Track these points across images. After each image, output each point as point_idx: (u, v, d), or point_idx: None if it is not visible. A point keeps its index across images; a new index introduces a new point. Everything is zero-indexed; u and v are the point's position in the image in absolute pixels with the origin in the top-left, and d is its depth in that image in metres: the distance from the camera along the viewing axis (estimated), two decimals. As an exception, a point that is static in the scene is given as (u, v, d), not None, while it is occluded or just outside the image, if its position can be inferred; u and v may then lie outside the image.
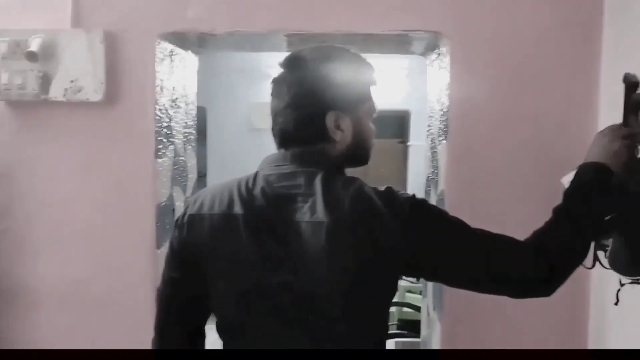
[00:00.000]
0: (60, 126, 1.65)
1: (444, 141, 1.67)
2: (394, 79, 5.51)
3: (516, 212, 1.59)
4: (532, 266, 0.98)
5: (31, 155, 1.65)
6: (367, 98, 1.09)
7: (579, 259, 1.03)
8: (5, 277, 1.66)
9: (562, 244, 1.01)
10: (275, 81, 1.07)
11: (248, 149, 5.55)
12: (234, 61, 5.32)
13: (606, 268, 1.30)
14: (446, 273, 1.01)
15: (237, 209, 0.99)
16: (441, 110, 1.72)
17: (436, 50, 1.77)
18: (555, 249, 1.00)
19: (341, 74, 1.04)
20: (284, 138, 1.05)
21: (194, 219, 1.03)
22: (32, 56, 1.57)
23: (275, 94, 1.06)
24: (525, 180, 1.62)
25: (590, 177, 1.07)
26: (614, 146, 1.11)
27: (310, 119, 1.03)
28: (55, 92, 1.61)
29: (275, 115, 1.06)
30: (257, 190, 1.00)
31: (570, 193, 1.07)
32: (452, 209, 1.60)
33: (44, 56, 1.59)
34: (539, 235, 1.02)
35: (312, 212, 0.96)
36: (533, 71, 1.61)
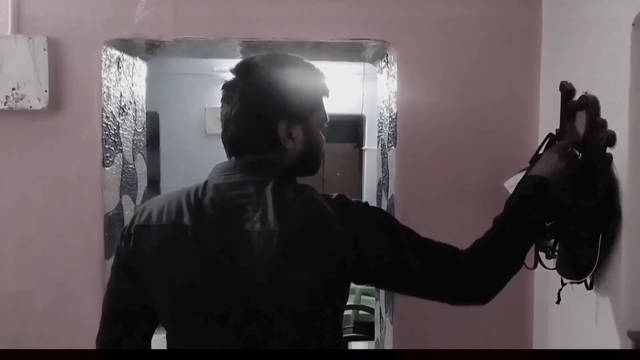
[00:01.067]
0: (2, 135, 1.60)
1: (393, 147, 1.71)
2: (349, 84, 5.57)
3: (462, 215, 1.64)
4: (469, 275, 1.01)
5: (-30, 166, 1.59)
6: (319, 107, 1.08)
7: (514, 269, 1.07)
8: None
9: (499, 254, 1.05)
10: (226, 87, 1.05)
11: (202, 155, 5.48)
12: (187, 66, 5.26)
13: (548, 269, 1.36)
14: (389, 279, 1.01)
15: (186, 219, 0.98)
16: (390, 116, 1.75)
17: (384, 59, 1.81)
18: (492, 259, 1.03)
19: (293, 83, 1.03)
20: (234, 146, 1.04)
21: (141, 230, 1.01)
22: (-31, 63, 1.51)
23: (226, 100, 1.04)
24: (471, 183, 1.67)
25: (529, 192, 1.13)
26: (554, 158, 1.19)
27: (262, 127, 1.02)
28: (-4, 100, 1.55)
29: (225, 122, 1.04)
30: (206, 200, 0.99)
31: (510, 205, 1.12)
32: (402, 213, 1.64)
33: (-17, 63, 1.54)
34: (478, 245, 1.05)
35: (262, 221, 0.95)
36: (477, 79, 1.66)
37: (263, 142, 1.02)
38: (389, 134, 1.78)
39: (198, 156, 5.51)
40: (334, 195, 1.01)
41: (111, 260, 1.68)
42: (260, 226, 0.95)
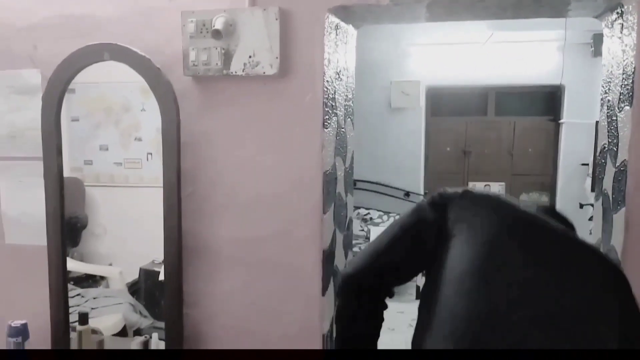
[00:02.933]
0: (240, 98, 1.79)
1: (628, 107, 1.55)
2: (544, 52, 5.17)
3: None
4: None
5: (215, 125, 1.81)
6: None
7: None
8: (191, 236, 1.85)
9: None
10: None
11: (387, 129, 5.57)
12: (374, 38, 5.33)
13: None
14: None
15: None
16: (624, 74, 1.59)
17: (617, 9, 1.64)
18: None
19: None
20: None
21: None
22: (217, 34, 1.71)
23: None
24: None
25: None
26: None
27: None
28: (236, 67, 1.74)
29: None
30: None
31: None
32: (636, 178, 1.49)
33: (226, 34, 1.73)
34: None
35: None
36: None
37: None
38: (620, 92, 1.62)
39: (383, 130, 5.62)
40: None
41: (327, 216, 1.81)
42: None
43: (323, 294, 1.80)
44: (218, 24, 1.71)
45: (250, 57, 1.74)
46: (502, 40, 4.94)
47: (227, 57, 1.75)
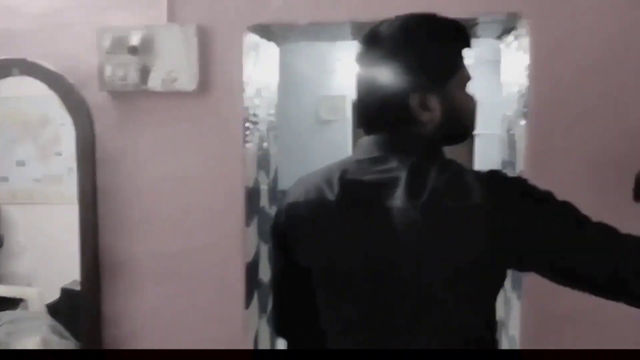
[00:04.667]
0: (158, 114, 1.79)
1: (523, 122, 1.69)
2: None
3: (590, 200, 1.58)
4: None
5: (132, 141, 1.80)
6: (458, 66, 0.97)
7: None
8: (109, 253, 1.83)
9: None
10: (357, 60, 1.01)
11: (316, 142, 5.67)
12: (302, 53, 5.43)
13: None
14: (565, 269, 0.87)
15: (330, 195, 0.97)
16: (519, 91, 1.73)
17: (513, 32, 1.78)
18: None
19: (424, 46, 0.94)
20: (368, 124, 1.01)
21: (291, 207, 1.03)
22: (133, 50, 1.71)
23: (357, 75, 1.01)
24: (604, 168, 1.59)
25: None
26: None
27: (392, 102, 0.95)
28: (154, 83, 1.75)
29: (359, 98, 1.01)
30: (350, 176, 0.97)
31: None
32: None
33: (143, 50, 1.73)
34: None
35: (402, 197, 0.90)
36: (619, 54, 1.57)
37: (396, 118, 0.96)
38: (517, 109, 1.76)
39: (311, 142, 5.71)
40: (485, 170, 0.92)
41: (251, 229, 1.84)
42: (400, 203, 0.90)
43: (247, 306, 1.82)
44: (134, 40, 1.71)
45: (168, 73, 1.74)
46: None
47: (145, 73, 1.75)
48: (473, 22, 1.71)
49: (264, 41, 1.94)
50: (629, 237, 0.87)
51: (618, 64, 1.58)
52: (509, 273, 1.89)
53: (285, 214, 1.05)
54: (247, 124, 1.81)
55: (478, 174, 0.91)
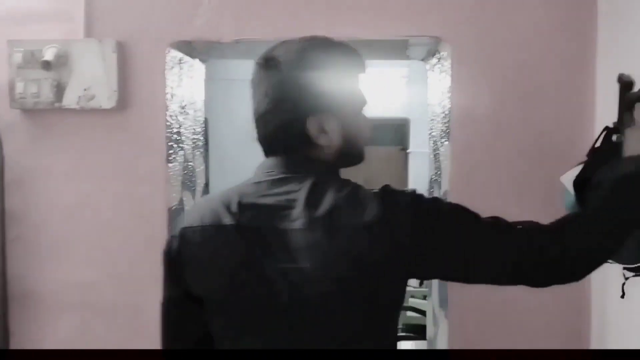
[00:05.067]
0: (74, 133, 1.70)
1: (446, 142, 1.72)
2: (393, 87, 5.58)
3: (518, 208, 1.63)
4: (560, 251, 0.91)
5: (45, 162, 1.70)
6: (353, 91, 1.00)
7: (614, 244, 0.97)
8: (17, 283, 1.70)
9: (596, 228, 0.94)
10: (252, 83, 1.00)
11: (250, 160, 5.61)
12: (235, 71, 5.39)
13: (609, 262, 1.34)
14: (461, 270, 0.93)
15: (227, 219, 0.95)
16: (443, 112, 1.77)
17: (436, 55, 1.83)
18: (589, 234, 0.94)
19: (320, 70, 0.94)
20: (267, 145, 1.00)
21: (186, 232, 0.99)
22: (46, 65, 1.62)
23: (254, 97, 0.99)
24: (526, 177, 1.66)
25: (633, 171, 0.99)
26: None
27: (290, 126, 0.95)
28: (69, 100, 1.66)
29: (256, 120, 0.99)
30: (248, 199, 0.96)
31: (613, 182, 0.98)
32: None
33: (58, 65, 1.64)
34: (569, 220, 0.97)
35: (300, 219, 0.90)
36: (531, 72, 1.66)
37: (294, 141, 0.96)
38: (441, 129, 1.80)
39: (245, 161, 5.65)
40: (378, 188, 0.94)
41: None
42: (298, 224, 0.90)
43: (170, 334, 1.73)
44: (48, 55, 1.62)
45: (85, 89, 1.66)
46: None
47: (60, 89, 1.66)
48: (402, 44, 1.75)
49: (187, 58, 1.89)
50: (520, 228, 0.94)
51: (532, 83, 1.66)
52: (437, 291, 1.92)
53: (178, 239, 1.00)
54: (170, 143, 1.74)
55: (371, 191, 0.93)
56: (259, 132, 1.00)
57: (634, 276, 1.30)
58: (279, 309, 0.92)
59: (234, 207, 0.96)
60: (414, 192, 0.95)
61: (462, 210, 0.95)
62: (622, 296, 1.34)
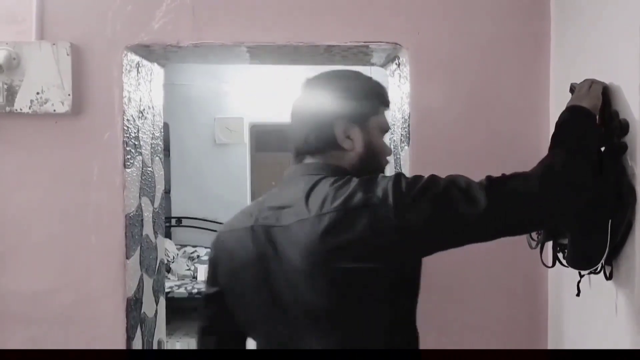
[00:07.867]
0: (26, 138, 1.64)
1: (406, 147, 1.74)
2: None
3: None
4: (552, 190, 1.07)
5: (-4, 167, 1.63)
6: (378, 112, 1.14)
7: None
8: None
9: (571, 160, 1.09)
10: (293, 105, 1.16)
11: (212, 164, 5.54)
12: (197, 76, 5.32)
13: (565, 266, 1.38)
14: (459, 232, 1.03)
15: (249, 222, 1.10)
16: (403, 117, 1.79)
17: (396, 61, 1.85)
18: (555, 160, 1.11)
19: (352, 89, 1.12)
20: (297, 151, 1.13)
21: (219, 235, 1.19)
22: (-4, 68, 1.56)
23: (292, 115, 1.16)
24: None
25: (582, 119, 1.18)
26: (596, 91, 1.24)
27: (319, 127, 1.09)
28: (21, 104, 1.60)
29: (291, 134, 1.15)
30: (269, 202, 1.11)
31: (560, 125, 1.18)
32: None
33: (9, 68, 1.59)
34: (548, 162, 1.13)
35: (295, 213, 1.02)
36: (488, 78, 1.70)
37: (321, 142, 1.09)
38: (401, 134, 1.82)
39: (207, 166, 5.58)
40: (365, 178, 1.03)
41: (132, 261, 1.73)
42: (294, 218, 1.02)
43: (128, 344, 1.69)
44: (-2, 57, 1.56)
45: (38, 93, 1.61)
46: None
47: (11, 93, 1.60)
48: (365, 49, 1.76)
49: (145, 61, 1.85)
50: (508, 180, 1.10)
51: (490, 89, 1.70)
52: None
53: (214, 242, 1.20)
54: (128, 147, 1.71)
55: (361, 179, 1.02)
56: (292, 143, 1.14)
57: (588, 274, 1.34)
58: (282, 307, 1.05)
59: (255, 210, 1.11)
60: (396, 173, 1.04)
61: (453, 182, 1.06)
62: (578, 294, 1.37)
